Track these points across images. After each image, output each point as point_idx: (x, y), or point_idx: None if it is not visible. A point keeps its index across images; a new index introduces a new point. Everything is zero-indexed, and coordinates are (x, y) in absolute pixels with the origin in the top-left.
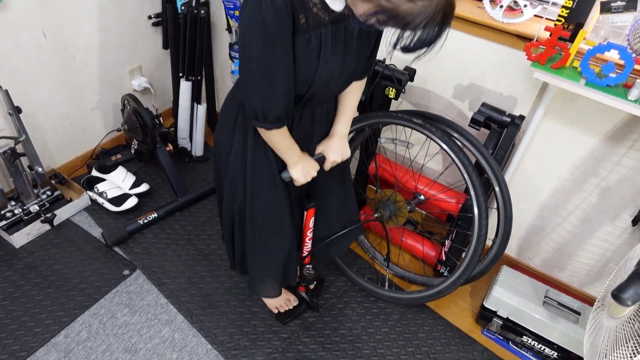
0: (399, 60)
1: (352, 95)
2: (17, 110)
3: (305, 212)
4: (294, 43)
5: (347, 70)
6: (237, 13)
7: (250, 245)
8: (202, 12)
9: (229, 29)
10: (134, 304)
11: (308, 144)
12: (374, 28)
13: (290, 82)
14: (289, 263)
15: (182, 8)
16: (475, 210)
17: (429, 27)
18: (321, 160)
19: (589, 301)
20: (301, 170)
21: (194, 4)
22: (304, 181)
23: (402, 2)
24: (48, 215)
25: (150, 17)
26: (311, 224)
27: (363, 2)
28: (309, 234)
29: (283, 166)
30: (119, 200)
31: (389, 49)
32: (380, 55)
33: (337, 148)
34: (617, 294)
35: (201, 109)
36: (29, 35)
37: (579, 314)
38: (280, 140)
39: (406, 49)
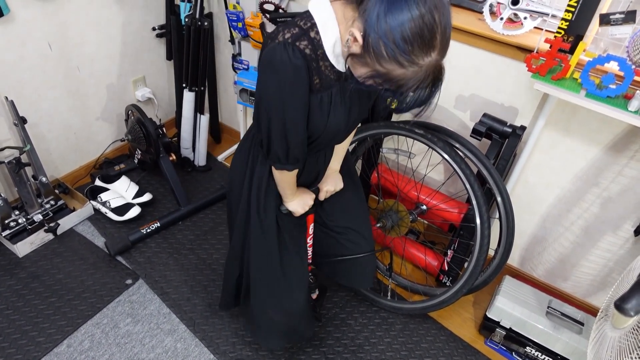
0: None
1: (345, 142)
2: (23, 120)
3: (305, 218)
4: (309, 101)
5: (351, 122)
6: (239, 25)
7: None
8: (206, 23)
9: (232, 41)
10: (137, 314)
11: (313, 183)
12: (372, 88)
13: (305, 129)
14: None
15: (186, 20)
16: (478, 220)
17: (420, 90)
18: (316, 191)
19: (593, 312)
20: (298, 201)
21: (197, 16)
22: (302, 211)
23: (394, 67)
24: (51, 224)
25: (154, 29)
26: (311, 231)
27: (361, 66)
28: (309, 241)
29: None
30: (122, 209)
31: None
32: None
33: (330, 180)
34: (620, 305)
35: (204, 119)
36: (34, 46)
37: (582, 324)
38: (290, 179)
39: (399, 110)
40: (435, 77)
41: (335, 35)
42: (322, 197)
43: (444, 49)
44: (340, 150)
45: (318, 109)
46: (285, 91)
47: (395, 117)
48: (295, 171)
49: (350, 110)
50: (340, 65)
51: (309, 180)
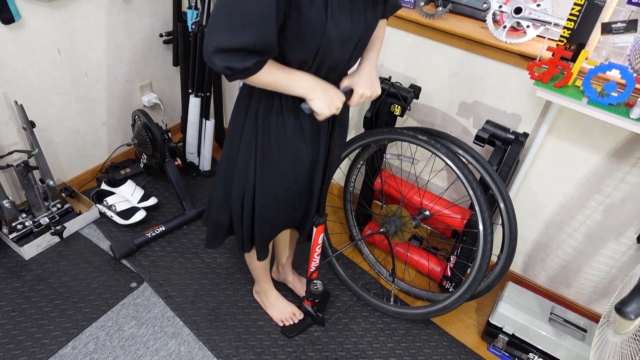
0: (404, 78)
1: (380, 26)
2: (31, 124)
3: (315, 229)
4: None
5: (357, 34)
6: None
7: (259, 218)
8: None
9: None
10: (141, 317)
11: (323, 132)
12: None
13: (272, 10)
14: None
15: (193, 27)
16: (480, 226)
17: None
18: (348, 93)
19: (596, 318)
20: (323, 98)
21: (204, 23)
22: (329, 113)
23: None
24: (58, 227)
25: (161, 35)
26: (320, 240)
27: None
28: (318, 250)
29: (303, 141)
30: (127, 213)
31: None
32: (385, 73)
33: (366, 79)
34: (621, 308)
35: (209, 125)
36: (43, 52)
37: (585, 331)
38: (275, 77)
39: None
40: None
41: None
42: (354, 102)
43: None
44: (376, 40)
45: (312, 8)
46: None
47: (398, 124)
48: (270, 65)
49: (353, 17)
50: None
51: (316, 122)
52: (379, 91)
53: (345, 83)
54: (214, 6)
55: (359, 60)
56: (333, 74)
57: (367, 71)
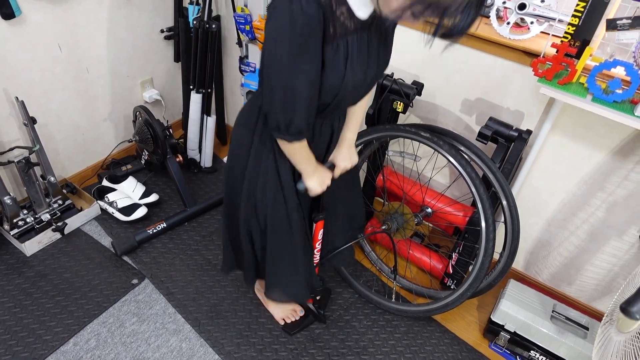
0: (407, 74)
1: (361, 104)
2: (32, 120)
3: (315, 225)
4: (323, 52)
5: (370, 77)
6: (247, 28)
7: (271, 252)
8: (214, 26)
9: (240, 43)
10: (143, 313)
11: (325, 154)
12: (407, 20)
13: (314, 94)
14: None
15: (194, 22)
16: (483, 224)
17: (467, 10)
18: (331, 167)
19: (597, 316)
20: (317, 179)
21: (205, 19)
22: (320, 190)
23: None
24: (59, 224)
25: (162, 31)
26: (320, 236)
27: None
28: (318, 246)
29: (298, 176)
30: (128, 210)
31: (429, 38)
32: (388, 69)
33: (345, 155)
34: (626, 308)
35: (211, 121)
36: (45, 48)
37: (587, 329)
38: (299, 152)
39: (446, 36)
40: None
41: None
42: (337, 174)
43: None
44: (356, 117)
45: (333, 61)
46: (294, 46)
47: (400, 121)
48: (304, 142)
49: (368, 63)
50: (361, 11)
51: (321, 148)
52: (356, 160)
53: (329, 159)
54: (265, 78)
55: (339, 138)
56: (344, 112)
57: (346, 148)
